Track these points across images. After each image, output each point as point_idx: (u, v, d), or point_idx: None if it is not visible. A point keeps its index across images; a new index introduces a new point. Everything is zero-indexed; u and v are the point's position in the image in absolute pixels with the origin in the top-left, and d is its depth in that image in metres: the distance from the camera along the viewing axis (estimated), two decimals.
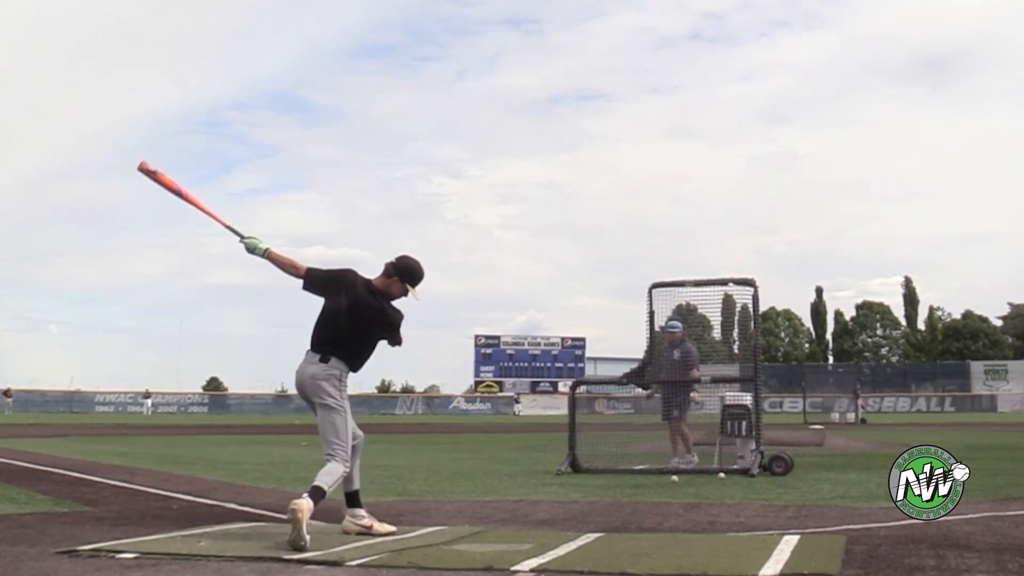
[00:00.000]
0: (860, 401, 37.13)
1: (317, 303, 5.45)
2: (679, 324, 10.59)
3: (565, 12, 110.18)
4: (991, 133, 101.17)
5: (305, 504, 4.75)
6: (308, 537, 4.68)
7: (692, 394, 10.45)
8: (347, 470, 5.20)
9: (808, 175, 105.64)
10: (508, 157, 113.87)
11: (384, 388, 76.65)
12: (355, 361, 5.35)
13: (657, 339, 10.43)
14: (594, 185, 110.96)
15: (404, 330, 5.51)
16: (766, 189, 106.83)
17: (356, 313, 5.27)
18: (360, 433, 5.50)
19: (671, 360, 10.46)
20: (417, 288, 5.42)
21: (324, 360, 5.24)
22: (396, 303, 5.48)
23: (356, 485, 5.44)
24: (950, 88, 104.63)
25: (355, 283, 5.38)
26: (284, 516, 4.94)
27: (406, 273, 5.40)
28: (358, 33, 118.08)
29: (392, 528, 5.33)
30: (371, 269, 5.55)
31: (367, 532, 5.24)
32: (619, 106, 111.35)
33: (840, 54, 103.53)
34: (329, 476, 5.08)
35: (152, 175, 5.39)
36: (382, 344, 5.49)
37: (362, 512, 5.38)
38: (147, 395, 55.38)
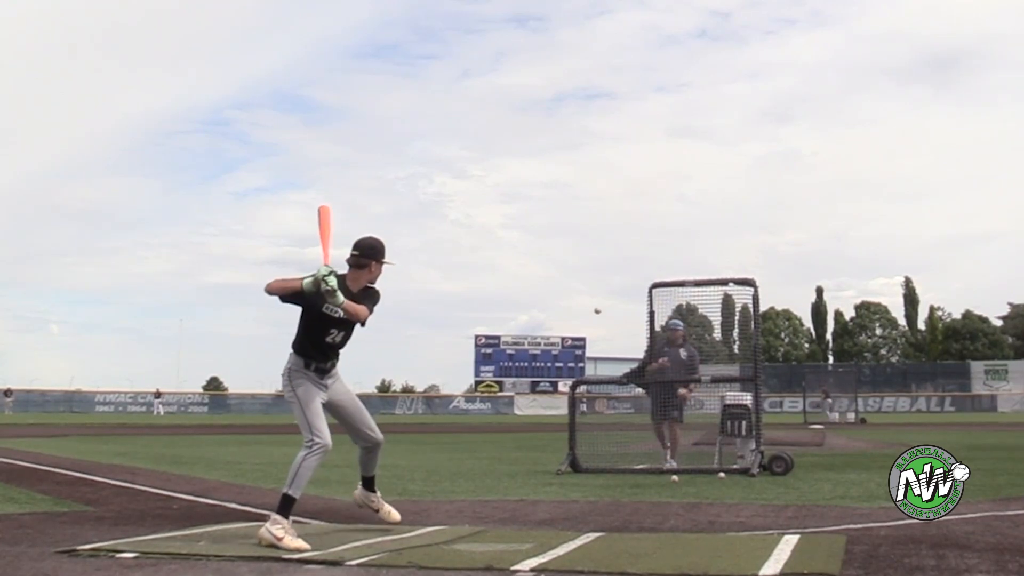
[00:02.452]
0: (830, 401, 37.20)
1: None
2: (680, 323, 10.58)
3: (571, 10, 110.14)
4: (993, 133, 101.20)
5: (261, 533, 4.80)
6: (292, 544, 4.70)
7: (682, 391, 10.36)
8: (306, 456, 4.99)
9: (812, 175, 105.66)
10: (511, 157, 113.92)
11: (384, 388, 76.73)
12: (307, 353, 5.23)
13: (659, 339, 10.42)
14: (597, 185, 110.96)
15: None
16: (769, 189, 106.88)
17: (310, 310, 5.19)
18: (378, 436, 5.52)
19: (677, 359, 10.43)
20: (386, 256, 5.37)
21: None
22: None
23: (372, 472, 5.62)
24: (955, 88, 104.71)
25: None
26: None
27: (373, 254, 5.31)
28: (361, 31, 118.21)
29: (397, 517, 5.51)
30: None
31: (374, 512, 5.48)
32: (624, 104, 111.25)
33: (846, 53, 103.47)
34: (290, 473, 4.99)
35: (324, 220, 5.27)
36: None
37: (375, 497, 5.60)
38: (158, 395, 54.66)
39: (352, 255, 5.32)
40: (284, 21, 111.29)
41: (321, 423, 5.11)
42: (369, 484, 5.64)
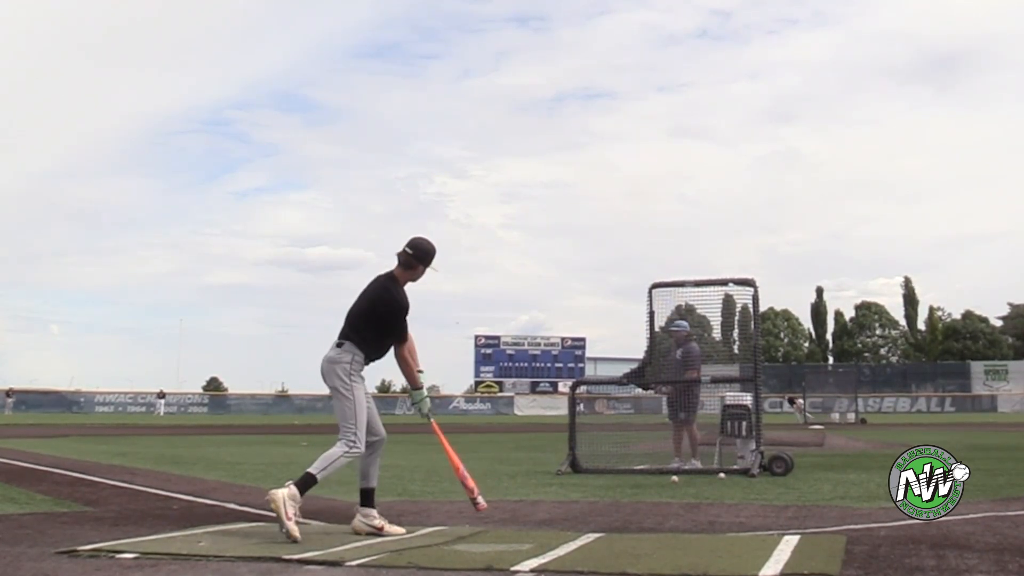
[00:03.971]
0: (802, 402, 37.41)
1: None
2: (685, 324, 10.56)
3: (572, 9, 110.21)
4: (993, 133, 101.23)
5: (279, 493, 4.90)
6: (290, 525, 4.82)
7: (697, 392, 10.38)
8: (347, 453, 5.20)
9: (812, 175, 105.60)
10: (511, 156, 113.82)
11: (384, 388, 76.60)
12: (371, 349, 5.42)
13: (659, 339, 10.42)
14: (597, 185, 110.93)
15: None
16: (770, 189, 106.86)
17: (379, 310, 5.43)
18: (382, 432, 5.53)
19: (674, 360, 10.45)
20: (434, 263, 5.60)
21: (339, 345, 5.36)
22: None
23: (373, 483, 5.45)
24: (956, 88, 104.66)
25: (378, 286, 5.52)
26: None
27: (425, 258, 5.52)
28: (362, 31, 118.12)
29: (402, 531, 5.31)
30: (374, 269, 5.66)
31: (377, 533, 5.23)
32: (625, 104, 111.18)
33: (847, 53, 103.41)
34: (323, 460, 5.13)
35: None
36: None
37: (374, 512, 5.36)
38: (161, 395, 54.59)
39: (406, 253, 5.48)
40: (284, 21, 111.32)
41: (364, 428, 5.29)
42: (369, 499, 5.40)
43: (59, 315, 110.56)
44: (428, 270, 5.55)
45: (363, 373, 5.39)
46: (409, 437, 21.96)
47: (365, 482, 5.42)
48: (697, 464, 9.92)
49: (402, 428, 30.34)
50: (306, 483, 5.05)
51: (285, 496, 4.91)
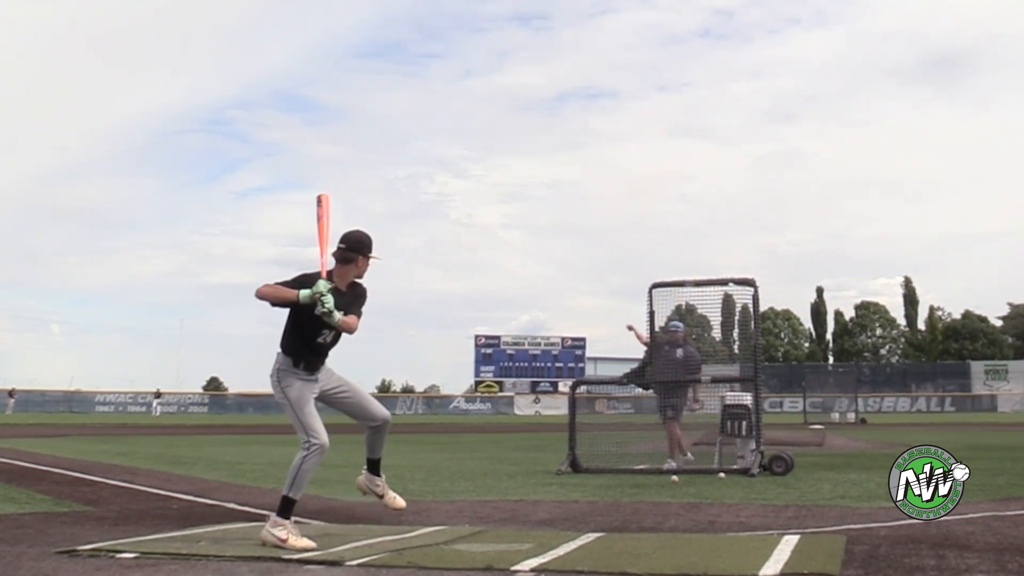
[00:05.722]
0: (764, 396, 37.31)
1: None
2: (681, 324, 10.58)
3: (574, 8, 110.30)
4: (994, 133, 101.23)
5: (263, 534, 4.80)
6: (295, 543, 4.71)
7: (691, 395, 10.40)
8: (305, 457, 4.92)
9: (814, 174, 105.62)
10: (512, 156, 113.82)
11: (384, 388, 76.72)
12: (294, 346, 5.12)
13: (659, 339, 10.43)
14: (598, 184, 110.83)
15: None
16: (771, 188, 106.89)
17: (300, 311, 5.06)
18: (381, 414, 5.28)
19: (673, 359, 10.44)
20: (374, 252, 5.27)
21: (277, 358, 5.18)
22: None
23: (377, 454, 5.40)
24: (957, 88, 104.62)
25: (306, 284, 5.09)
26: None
27: (360, 248, 5.20)
28: (363, 31, 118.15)
29: (403, 504, 5.38)
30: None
31: (378, 498, 5.33)
32: (626, 104, 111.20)
33: (849, 52, 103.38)
34: (289, 475, 4.96)
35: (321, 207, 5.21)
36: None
37: (378, 480, 5.39)
38: (158, 395, 54.57)
39: (339, 249, 5.21)
40: (285, 20, 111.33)
41: (316, 423, 5.03)
42: (374, 467, 5.40)
43: (59, 315, 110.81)
44: (371, 260, 5.22)
45: (303, 374, 5.09)
46: (409, 437, 21.96)
47: (370, 454, 5.40)
48: (689, 458, 9.92)
49: (402, 428, 30.40)
50: (284, 506, 4.88)
51: (269, 531, 4.80)
